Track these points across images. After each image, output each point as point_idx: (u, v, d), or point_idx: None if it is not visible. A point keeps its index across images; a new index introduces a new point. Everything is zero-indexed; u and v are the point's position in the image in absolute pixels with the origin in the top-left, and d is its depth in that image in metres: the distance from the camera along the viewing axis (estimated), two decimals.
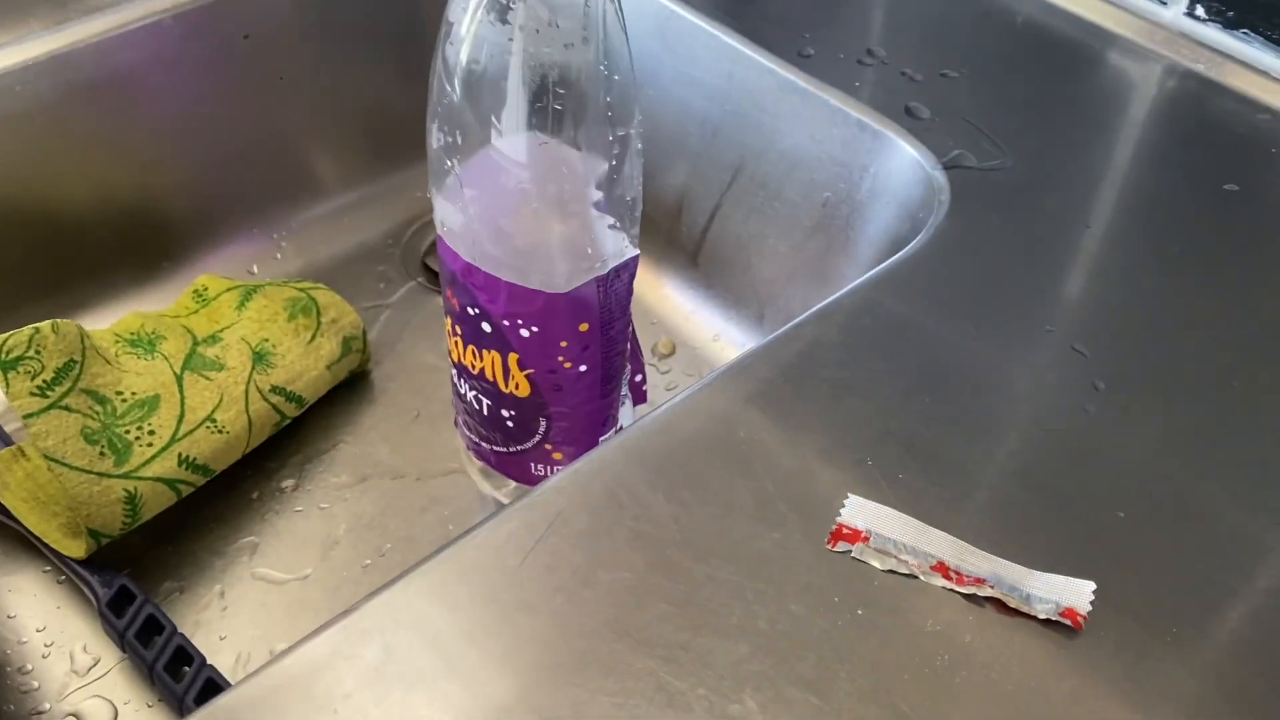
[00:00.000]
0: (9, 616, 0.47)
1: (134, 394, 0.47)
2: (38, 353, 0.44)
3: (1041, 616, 0.31)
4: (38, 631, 0.46)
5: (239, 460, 0.50)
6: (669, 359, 0.58)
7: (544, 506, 0.33)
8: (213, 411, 0.48)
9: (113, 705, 0.44)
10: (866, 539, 0.32)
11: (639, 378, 0.48)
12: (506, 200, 0.36)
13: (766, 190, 0.55)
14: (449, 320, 0.41)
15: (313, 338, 0.52)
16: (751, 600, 0.31)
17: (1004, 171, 0.47)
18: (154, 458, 0.46)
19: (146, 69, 0.55)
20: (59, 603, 0.47)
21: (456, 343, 0.42)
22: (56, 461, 0.43)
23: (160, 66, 0.55)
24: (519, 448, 0.44)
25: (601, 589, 0.31)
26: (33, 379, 0.44)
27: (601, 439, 0.44)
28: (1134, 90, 0.51)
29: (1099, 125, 0.49)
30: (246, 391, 0.49)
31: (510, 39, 0.32)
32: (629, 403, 0.47)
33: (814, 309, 0.40)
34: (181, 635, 0.44)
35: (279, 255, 0.62)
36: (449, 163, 0.36)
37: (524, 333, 0.39)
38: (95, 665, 0.45)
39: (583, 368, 0.40)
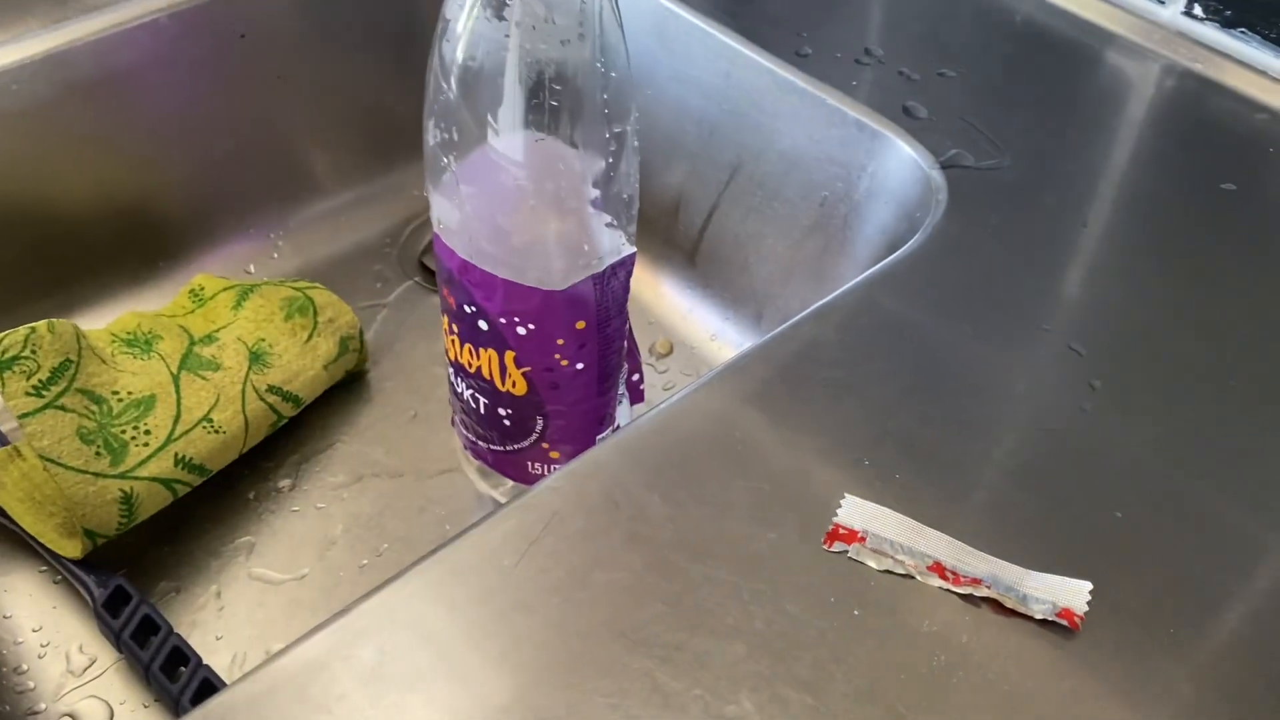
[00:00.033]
0: (5, 617, 0.47)
1: (130, 394, 0.47)
2: (33, 352, 0.44)
3: (1038, 617, 0.31)
4: (34, 631, 0.46)
5: (236, 460, 0.50)
6: (667, 359, 0.58)
7: (540, 507, 0.33)
8: (209, 411, 0.48)
9: (109, 705, 0.44)
10: (863, 539, 0.32)
11: (636, 377, 0.48)
12: (503, 198, 0.36)
13: (764, 190, 0.55)
14: (446, 319, 0.41)
15: (309, 337, 0.52)
16: (748, 601, 0.31)
17: (1001, 171, 0.46)
18: (150, 458, 0.46)
19: (143, 68, 0.55)
20: (55, 603, 0.47)
21: (453, 341, 0.41)
22: (52, 461, 0.43)
23: (157, 65, 0.55)
24: (516, 446, 0.44)
25: (597, 589, 0.31)
26: (28, 379, 0.44)
27: (599, 438, 0.44)
28: (1131, 89, 0.51)
29: (1097, 124, 0.49)
30: (243, 391, 0.49)
31: (506, 35, 0.32)
32: (626, 401, 0.47)
33: (811, 308, 0.40)
34: (177, 635, 0.43)
35: (276, 254, 0.62)
36: (445, 160, 0.36)
37: (521, 330, 0.39)
38: (91, 665, 0.45)
39: (579, 366, 0.40)
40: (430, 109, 0.35)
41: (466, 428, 0.45)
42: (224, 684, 0.43)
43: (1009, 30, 0.55)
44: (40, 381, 0.44)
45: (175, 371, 0.48)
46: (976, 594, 0.31)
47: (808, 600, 0.31)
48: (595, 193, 0.36)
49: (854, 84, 0.51)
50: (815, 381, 0.37)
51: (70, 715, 0.43)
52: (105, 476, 0.44)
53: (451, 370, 0.43)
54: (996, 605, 0.31)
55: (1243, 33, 0.51)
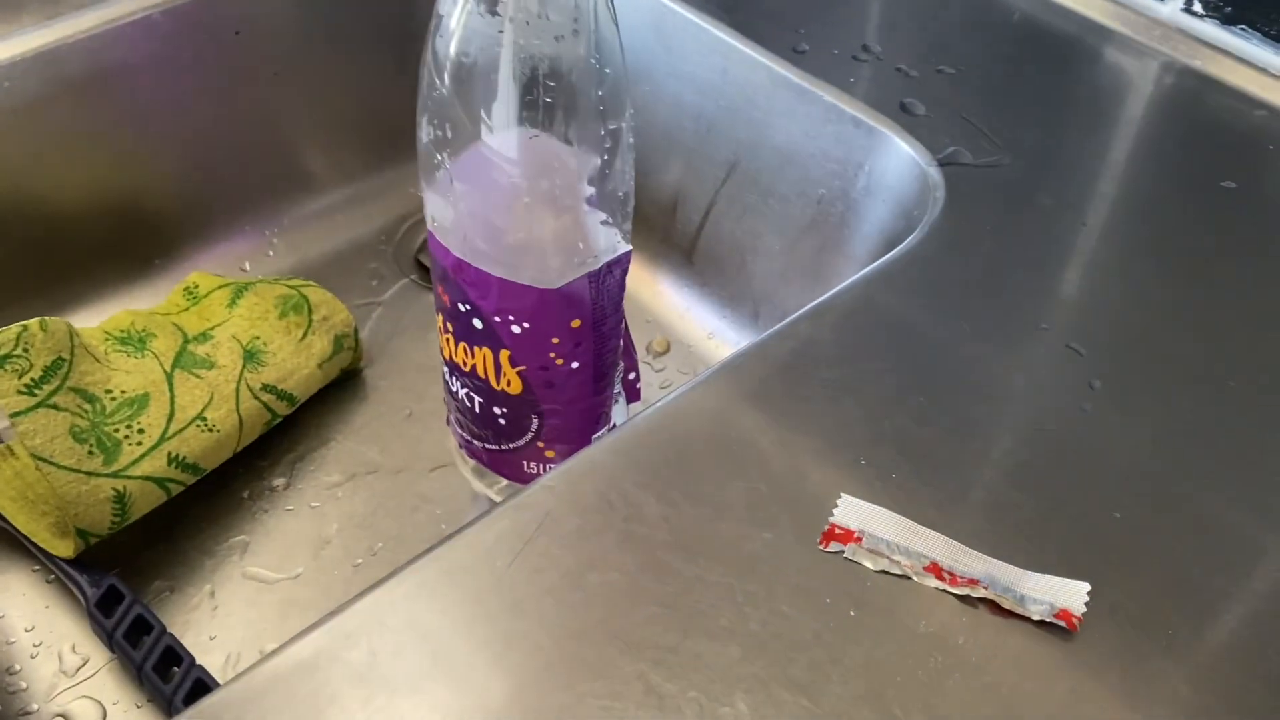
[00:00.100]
0: None
1: (123, 392, 0.46)
2: (25, 350, 0.44)
3: (1036, 618, 0.31)
4: (26, 631, 0.46)
5: (230, 459, 0.49)
6: (664, 357, 0.58)
7: (534, 507, 0.33)
8: (203, 410, 0.47)
9: (101, 706, 0.44)
10: (859, 539, 0.32)
11: (632, 375, 0.48)
12: (497, 195, 0.35)
13: (761, 187, 0.55)
14: (440, 317, 0.41)
15: (304, 336, 0.52)
16: (743, 602, 0.31)
17: (1000, 168, 0.46)
18: (143, 456, 0.45)
19: (136, 65, 0.55)
20: (48, 602, 0.47)
21: (448, 340, 0.41)
22: (44, 460, 0.43)
23: (150, 62, 0.55)
24: (511, 446, 0.44)
25: (592, 590, 0.31)
26: (20, 377, 0.43)
27: (594, 437, 0.44)
28: (1130, 87, 0.51)
29: (1095, 122, 0.49)
30: (237, 390, 0.49)
31: (500, 31, 0.32)
32: (623, 400, 0.47)
33: (808, 307, 0.40)
34: (170, 635, 0.43)
35: (271, 252, 0.62)
36: (439, 158, 0.35)
37: (515, 329, 0.38)
38: (84, 665, 0.45)
39: (575, 364, 0.40)
40: (424, 105, 0.35)
41: (462, 427, 0.45)
42: (217, 684, 0.42)
43: (1007, 27, 0.54)
44: (32, 380, 0.44)
45: (169, 370, 0.48)
46: (974, 595, 0.31)
47: (803, 601, 0.31)
48: (590, 190, 0.36)
49: (851, 81, 0.51)
50: (812, 381, 0.37)
51: (63, 715, 0.43)
52: (98, 475, 0.44)
53: (446, 369, 0.43)
54: (994, 606, 0.31)
55: (1243, 29, 0.51)
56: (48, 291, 0.56)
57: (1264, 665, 0.30)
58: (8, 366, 0.43)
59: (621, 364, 0.45)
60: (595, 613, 0.31)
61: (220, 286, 0.53)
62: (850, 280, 0.41)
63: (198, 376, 0.48)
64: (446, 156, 0.35)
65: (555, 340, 0.39)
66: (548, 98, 0.33)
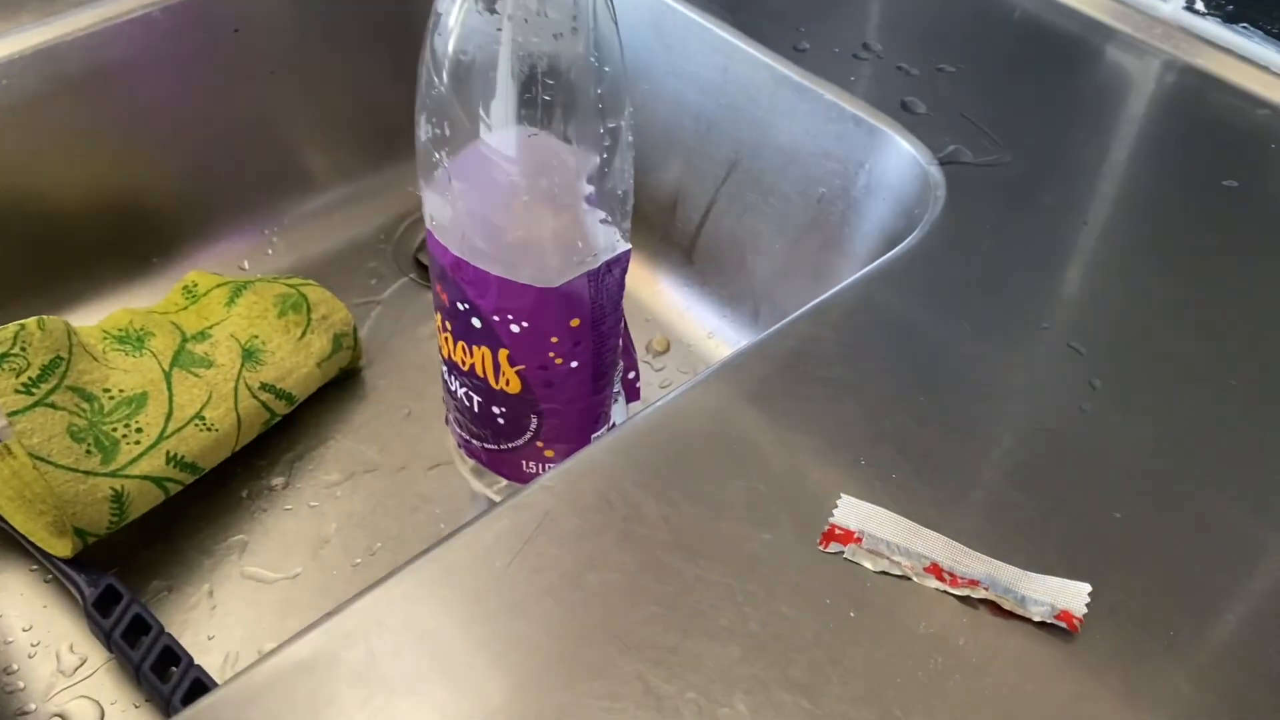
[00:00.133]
0: None
1: (121, 391, 0.46)
2: (23, 349, 0.44)
3: (1036, 619, 0.30)
4: (24, 631, 0.46)
5: (228, 458, 0.49)
6: (663, 356, 0.58)
7: (533, 506, 0.33)
8: (201, 409, 0.47)
9: (99, 705, 0.43)
10: (859, 540, 0.32)
11: (632, 375, 0.47)
12: (495, 194, 0.35)
13: (761, 186, 0.54)
14: (439, 316, 0.41)
15: (303, 334, 0.52)
16: (742, 602, 0.31)
17: (1001, 167, 0.46)
18: (141, 456, 0.45)
19: (135, 63, 0.54)
20: (46, 602, 0.47)
21: (446, 339, 0.41)
22: (42, 460, 0.43)
23: (149, 60, 0.55)
24: (510, 445, 0.43)
25: (591, 590, 0.31)
26: (18, 376, 0.43)
27: (594, 436, 0.44)
28: (1132, 85, 0.51)
29: (1097, 121, 0.49)
30: (236, 389, 0.49)
31: (498, 29, 0.32)
32: (622, 399, 0.47)
33: (808, 306, 0.40)
34: (169, 635, 0.43)
35: (270, 251, 0.62)
36: (437, 156, 0.35)
37: (514, 328, 0.38)
38: (82, 665, 0.45)
39: (574, 364, 0.40)
40: (422, 104, 0.35)
41: (460, 426, 0.45)
42: (215, 684, 0.42)
43: (1009, 25, 0.54)
44: (30, 379, 0.44)
45: (167, 369, 0.48)
46: (974, 596, 0.31)
47: (803, 602, 0.31)
48: (589, 189, 0.36)
49: (852, 79, 0.50)
50: (812, 380, 0.37)
51: (60, 715, 0.43)
52: (96, 475, 0.44)
53: (445, 368, 0.43)
54: (994, 607, 0.31)
55: (1244, 28, 0.51)
56: (46, 290, 0.56)
57: (1265, 664, 0.30)
58: (5, 365, 0.43)
59: (621, 363, 0.44)
60: (594, 613, 0.30)
61: (219, 285, 0.53)
62: (851, 279, 0.41)
63: (196, 375, 0.48)
64: (445, 155, 0.35)
65: (554, 339, 0.39)
66: (546, 96, 0.33)
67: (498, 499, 0.46)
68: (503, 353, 0.39)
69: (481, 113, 0.33)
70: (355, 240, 0.63)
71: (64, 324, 0.46)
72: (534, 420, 0.42)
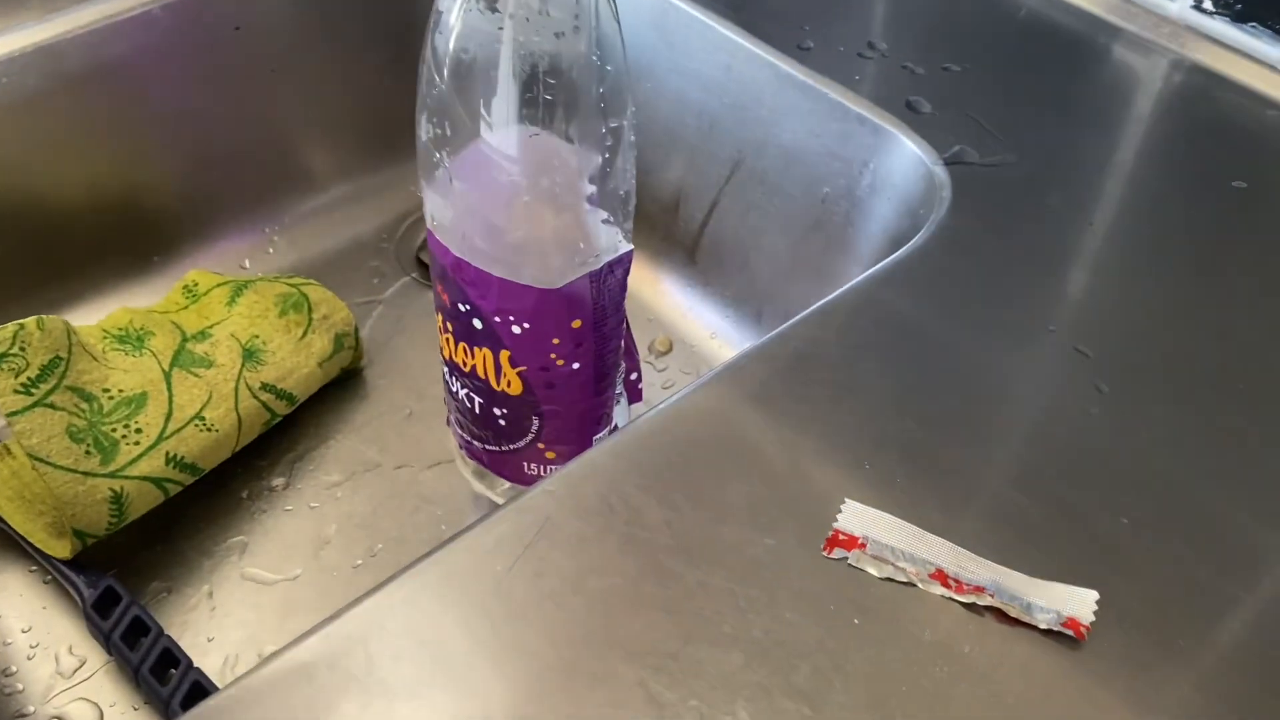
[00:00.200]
0: None
1: (121, 391, 0.46)
2: (22, 349, 0.43)
3: (1043, 627, 0.30)
4: (23, 632, 0.45)
5: (228, 459, 0.49)
6: (666, 356, 0.58)
7: (534, 510, 0.33)
8: (201, 409, 0.47)
9: (98, 708, 0.43)
10: (863, 546, 0.32)
11: (634, 376, 0.47)
12: (497, 194, 0.35)
13: (765, 185, 0.54)
14: (440, 317, 0.41)
15: (304, 334, 0.51)
16: (745, 608, 0.30)
17: (1007, 167, 0.46)
18: (141, 456, 0.45)
19: (136, 60, 0.54)
20: (45, 603, 0.46)
21: (448, 340, 0.41)
22: (41, 460, 0.43)
23: (150, 58, 0.55)
24: (512, 447, 0.43)
25: (591, 596, 0.31)
26: (17, 376, 0.43)
27: (595, 438, 0.43)
28: (1139, 85, 0.50)
29: (1103, 121, 0.48)
30: (236, 389, 0.49)
31: (500, 28, 0.32)
32: (624, 401, 0.46)
33: (812, 308, 0.39)
34: (168, 637, 0.43)
35: (271, 250, 0.61)
36: (438, 155, 0.35)
37: (516, 329, 0.38)
38: (81, 667, 0.44)
39: (575, 365, 0.40)
40: (423, 103, 0.35)
41: (462, 427, 0.45)
42: (215, 687, 0.42)
43: (1014, 24, 0.54)
44: (29, 379, 0.43)
45: (167, 369, 0.48)
46: (980, 603, 0.31)
47: (806, 608, 0.31)
48: (591, 189, 0.35)
49: (857, 78, 0.50)
50: (816, 383, 0.37)
51: (59, 717, 0.43)
52: (95, 475, 0.44)
53: (446, 369, 0.43)
54: (1000, 614, 0.31)
55: (1253, 27, 0.50)
56: (45, 289, 0.56)
57: (1275, 672, 0.30)
58: (4, 365, 0.43)
59: (623, 364, 0.44)
60: (596, 618, 0.30)
61: (219, 284, 0.53)
62: (855, 280, 0.40)
63: (196, 375, 0.48)
64: (446, 154, 0.35)
65: (556, 341, 0.38)
66: (548, 95, 0.33)
67: (500, 501, 0.45)
68: (504, 354, 0.39)
69: (483, 112, 0.33)
70: (357, 239, 0.63)
71: (63, 323, 0.45)
72: (535, 422, 0.42)
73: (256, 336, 0.50)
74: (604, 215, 0.36)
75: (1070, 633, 0.30)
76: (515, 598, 0.31)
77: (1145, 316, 0.40)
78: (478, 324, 0.38)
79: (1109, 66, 0.51)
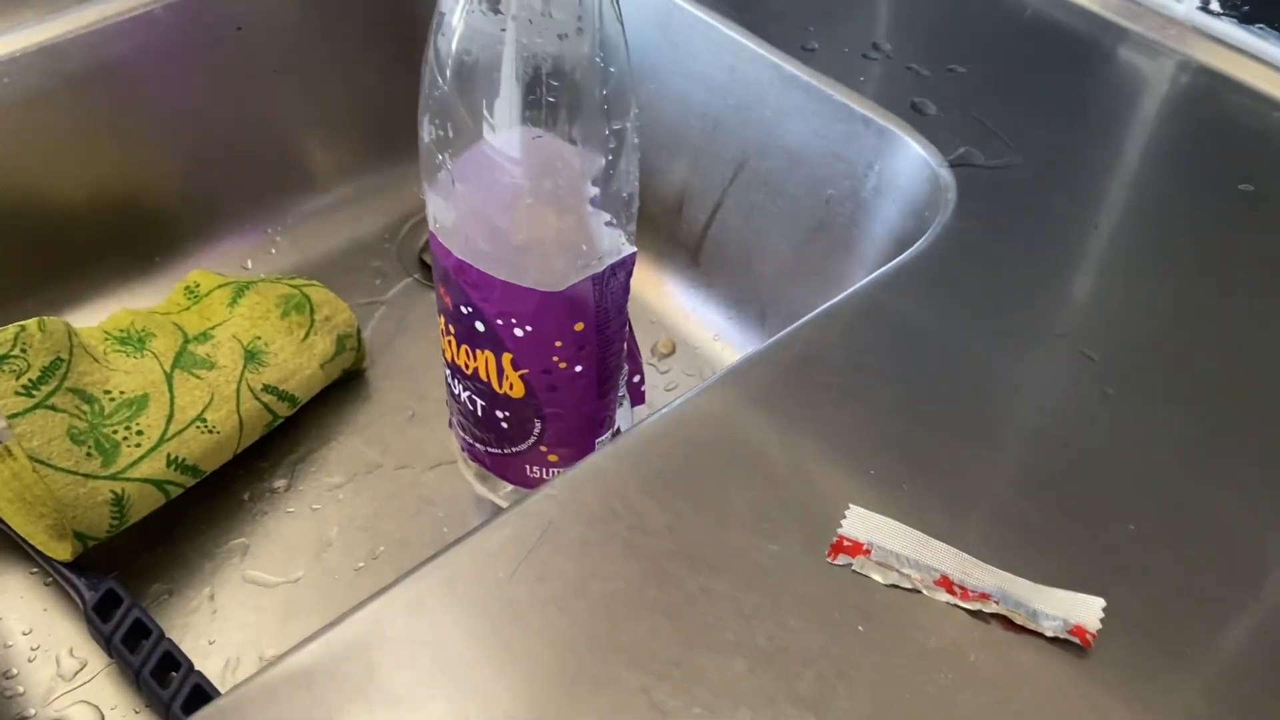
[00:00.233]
0: None
1: (122, 393, 0.46)
2: (23, 351, 0.43)
3: (1049, 634, 0.30)
4: (24, 635, 0.45)
5: (230, 461, 0.49)
6: (669, 359, 0.57)
7: (536, 515, 0.32)
8: (203, 411, 0.47)
9: (99, 711, 0.43)
10: (868, 551, 0.31)
11: (637, 378, 0.47)
12: (499, 196, 0.35)
13: (769, 187, 0.54)
14: (442, 319, 0.40)
15: (306, 336, 0.51)
16: (748, 614, 0.30)
17: (1012, 170, 0.45)
18: (142, 458, 0.45)
19: (138, 60, 0.54)
20: (46, 605, 0.46)
21: (450, 342, 0.41)
22: (42, 462, 0.42)
23: (152, 58, 0.54)
24: (514, 449, 0.43)
25: (594, 601, 0.30)
26: (18, 378, 0.43)
27: (598, 441, 0.43)
28: (1145, 87, 0.50)
29: (1109, 122, 0.48)
30: (238, 390, 0.48)
31: (502, 29, 0.31)
32: (627, 403, 0.46)
33: (816, 311, 0.39)
34: (169, 640, 0.43)
35: (273, 250, 0.61)
36: (440, 157, 0.35)
37: (518, 332, 0.38)
38: (82, 669, 0.44)
39: (578, 368, 0.39)
40: (425, 105, 0.34)
41: (464, 430, 0.44)
42: (216, 691, 0.42)
43: (1020, 25, 0.54)
44: (30, 381, 0.43)
45: (168, 370, 0.48)
46: (985, 610, 0.30)
47: (810, 615, 0.30)
48: (594, 191, 0.35)
49: (861, 79, 0.50)
50: (820, 387, 0.36)
51: None
52: (96, 478, 0.43)
53: (448, 372, 0.42)
54: (1006, 622, 0.30)
55: (1260, 29, 0.50)
56: (46, 290, 0.56)
57: None
58: (5, 367, 0.43)
59: (626, 366, 0.44)
60: (598, 624, 0.30)
61: (221, 285, 0.53)
62: (860, 283, 0.40)
63: (198, 377, 0.48)
64: (448, 156, 0.34)
65: (558, 344, 0.38)
66: (551, 97, 0.33)
67: (503, 504, 0.45)
68: (506, 357, 0.39)
69: (485, 114, 0.33)
70: (359, 240, 0.62)
71: (64, 325, 0.45)
72: (538, 424, 0.41)
73: (258, 338, 0.50)
74: (607, 217, 0.36)
75: (1077, 641, 0.30)
76: (518, 603, 0.30)
77: (1151, 320, 0.39)
78: (480, 326, 0.38)
79: (1115, 68, 0.51)
